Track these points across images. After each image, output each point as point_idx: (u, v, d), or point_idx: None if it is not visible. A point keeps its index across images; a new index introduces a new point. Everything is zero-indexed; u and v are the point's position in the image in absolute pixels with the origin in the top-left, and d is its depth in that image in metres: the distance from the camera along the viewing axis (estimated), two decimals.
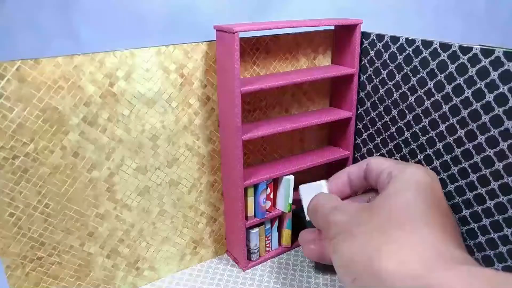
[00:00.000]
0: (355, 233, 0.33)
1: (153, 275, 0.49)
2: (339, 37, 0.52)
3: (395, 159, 0.49)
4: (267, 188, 0.50)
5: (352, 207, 0.38)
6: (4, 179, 0.37)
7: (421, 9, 0.76)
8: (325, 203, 0.41)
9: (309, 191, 0.46)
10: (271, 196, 0.51)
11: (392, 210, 0.33)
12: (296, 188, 0.50)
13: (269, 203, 0.51)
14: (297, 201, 0.51)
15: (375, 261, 0.30)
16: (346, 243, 0.34)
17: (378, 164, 0.40)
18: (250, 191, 0.49)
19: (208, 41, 0.44)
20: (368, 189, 0.45)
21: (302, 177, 0.52)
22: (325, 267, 0.51)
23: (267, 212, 0.51)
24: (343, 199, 0.44)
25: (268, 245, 0.53)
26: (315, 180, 0.48)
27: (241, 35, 0.41)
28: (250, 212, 0.50)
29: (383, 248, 0.30)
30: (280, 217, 0.53)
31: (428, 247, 0.29)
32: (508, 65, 0.36)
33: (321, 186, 0.46)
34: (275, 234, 0.54)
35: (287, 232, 0.54)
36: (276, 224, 0.53)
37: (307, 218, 0.45)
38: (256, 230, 0.51)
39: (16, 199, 0.38)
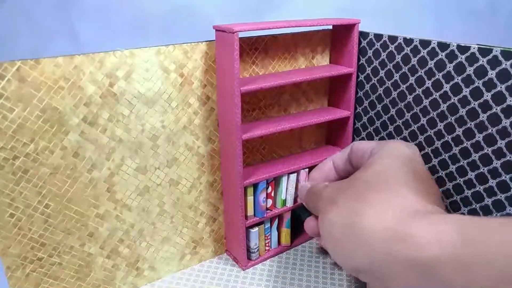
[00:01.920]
0: (336, 201, 0.36)
1: (153, 275, 0.49)
2: (337, 37, 0.52)
3: None
4: (268, 187, 0.50)
5: (337, 182, 0.40)
6: (5, 179, 0.37)
7: (421, 9, 0.77)
8: (317, 185, 0.43)
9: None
10: (272, 194, 0.51)
11: (369, 175, 0.36)
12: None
13: (270, 202, 0.51)
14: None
15: (354, 223, 0.32)
16: (329, 212, 0.36)
17: (361, 146, 0.42)
18: (250, 191, 0.49)
19: (208, 41, 0.44)
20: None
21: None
22: (324, 267, 0.52)
23: (267, 211, 0.51)
24: None
25: (267, 244, 0.54)
26: None
27: (240, 35, 0.41)
28: (250, 211, 0.50)
29: (361, 210, 0.32)
30: (280, 216, 0.54)
31: (404, 206, 0.31)
32: (506, 64, 0.36)
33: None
34: (274, 233, 0.54)
35: (286, 231, 0.54)
36: (275, 223, 0.53)
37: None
38: (255, 229, 0.51)
39: (16, 200, 0.38)
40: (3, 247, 0.38)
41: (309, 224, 0.45)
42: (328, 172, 0.46)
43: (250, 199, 0.49)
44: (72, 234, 0.42)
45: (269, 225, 0.53)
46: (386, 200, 0.32)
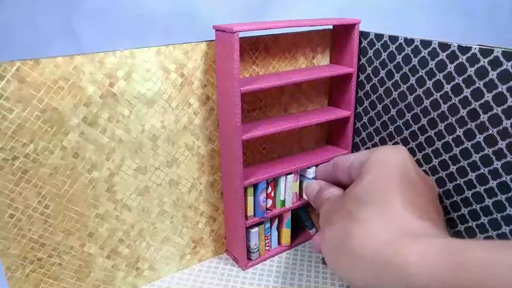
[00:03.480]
0: (332, 220, 0.37)
1: (153, 275, 0.49)
2: (338, 37, 0.52)
3: None
4: (268, 187, 0.50)
5: (335, 197, 0.40)
6: (4, 180, 0.37)
7: (421, 9, 0.77)
8: (322, 194, 0.43)
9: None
10: (272, 194, 0.51)
11: (358, 193, 0.35)
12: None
13: (270, 202, 0.51)
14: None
15: (346, 245, 0.32)
16: (327, 231, 0.37)
17: (344, 160, 0.42)
18: (250, 191, 0.49)
19: (208, 41, 0.44)
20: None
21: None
22: (324, 267, 0.52)
23: (267, 211, 0.51)
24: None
25: (267, 244, 0.54)
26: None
27: (241, 34, 0.41)
28: (250, 211, 0.50)
29: (351, 230, 0.33)
30: (280, 216, 0.53)
31: (393, 225, 0.31)
32: (507, 65, 0.36)
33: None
34: (274, 234, 0.54)
35: (286, 231, 0.54)
36: (275, 223, 0.53)
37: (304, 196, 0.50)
38: (255, 229, 0.51)
39: (16, 200, 0.38)
40: (3, 247, 0.38)
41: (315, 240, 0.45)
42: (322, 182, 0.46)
43: (250, 199, 0.49)
44: (72, 234, 0.42)
45: (269, 225, 0.53)
46: (375, 218, 0.32)
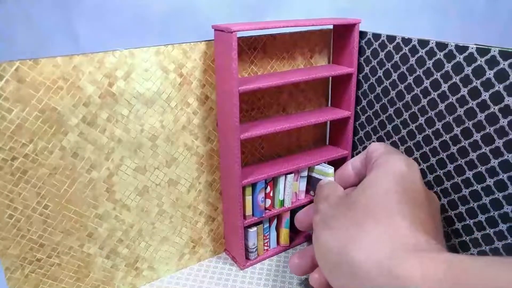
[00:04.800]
0: (332, 224, 0.36)
1: (152, 275, 0.49)
2: (337, 37, 0.52)
3: None
4: (266, 187, 0.50)
5: (336, 197, 0.40)
6: (3, 180, 0.37)
7: (420, 8, 0.77)
8: (320, 192, 0.43)
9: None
10: (271, 194, 0.51)
11: (366, 202, 0.36)
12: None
13: (269, 202, 0.51)
14: None
15: (348, 252, 0.32)
16: (325, 233, 0.36)
17: (373, 150, 0.42)
18: (248, 190, 0.49)
19: (207, 40, 0.44)
20: None
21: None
22: None
23: (266, 211, 0.51)
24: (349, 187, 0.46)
25: (266, 244, 0.54)
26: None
27: (239, 34, 0.41)
28: (248, 211, 0.50)
29: (355, 240, 0.33)
30: (279, 216, 0.54)
31: (396, 238, 0.31)
32: (504, 64, 0.36)
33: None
34: (273, 233, 0.54)
35: (285, 232, 0.54)
36: (274, 223, 0.53)
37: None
38: (254, 229, 0.51)
39: (15, 201, 0.38)
40: (2, 248, 0.38)
41: (300, 263, 0.44)
42: (346, 178, 0.46)
43: (248, 198, 0.49)
44: (71, 234, 0.42)
45: (268, 225, 0.53)
46: (380, 230, 0.32)
